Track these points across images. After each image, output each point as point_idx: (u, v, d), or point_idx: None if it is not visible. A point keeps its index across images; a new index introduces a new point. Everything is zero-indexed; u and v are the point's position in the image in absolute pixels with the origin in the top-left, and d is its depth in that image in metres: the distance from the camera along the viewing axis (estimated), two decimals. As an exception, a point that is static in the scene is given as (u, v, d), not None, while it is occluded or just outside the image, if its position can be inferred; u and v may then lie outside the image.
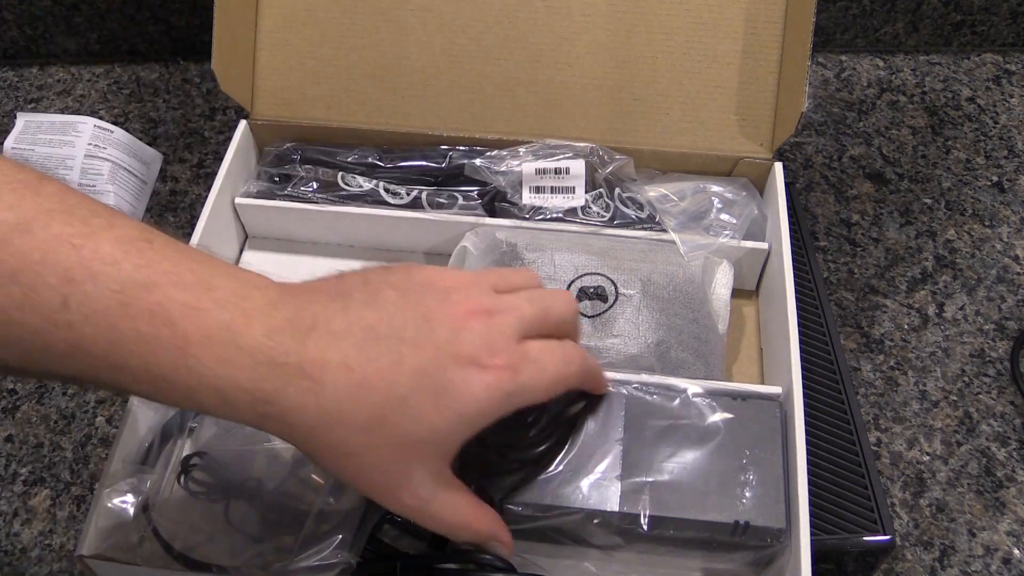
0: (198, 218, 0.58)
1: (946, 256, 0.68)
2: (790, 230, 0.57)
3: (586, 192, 0.60)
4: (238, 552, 0.45)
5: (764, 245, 0.58)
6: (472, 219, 0.60)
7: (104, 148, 0.69)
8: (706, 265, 0.57)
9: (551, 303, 0.41)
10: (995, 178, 0.73)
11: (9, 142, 0.69)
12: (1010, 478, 0.57)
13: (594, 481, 0.44)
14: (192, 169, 0.74)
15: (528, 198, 0.60)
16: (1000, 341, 0.63)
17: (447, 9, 0.61)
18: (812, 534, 0.44)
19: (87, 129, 0.69)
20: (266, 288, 0.36)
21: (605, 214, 0.60)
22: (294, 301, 0.36)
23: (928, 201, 0.71)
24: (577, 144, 0.61)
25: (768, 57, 0.60)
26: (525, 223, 0.59)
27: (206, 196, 0.59)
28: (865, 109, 0.78)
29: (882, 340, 0.63)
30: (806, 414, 0.49)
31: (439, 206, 0.61)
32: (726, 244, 0.58)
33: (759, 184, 0.62)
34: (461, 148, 0.62)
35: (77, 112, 0.78)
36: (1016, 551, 0.54)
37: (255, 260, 0.63)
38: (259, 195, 0.62)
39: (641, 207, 0.60)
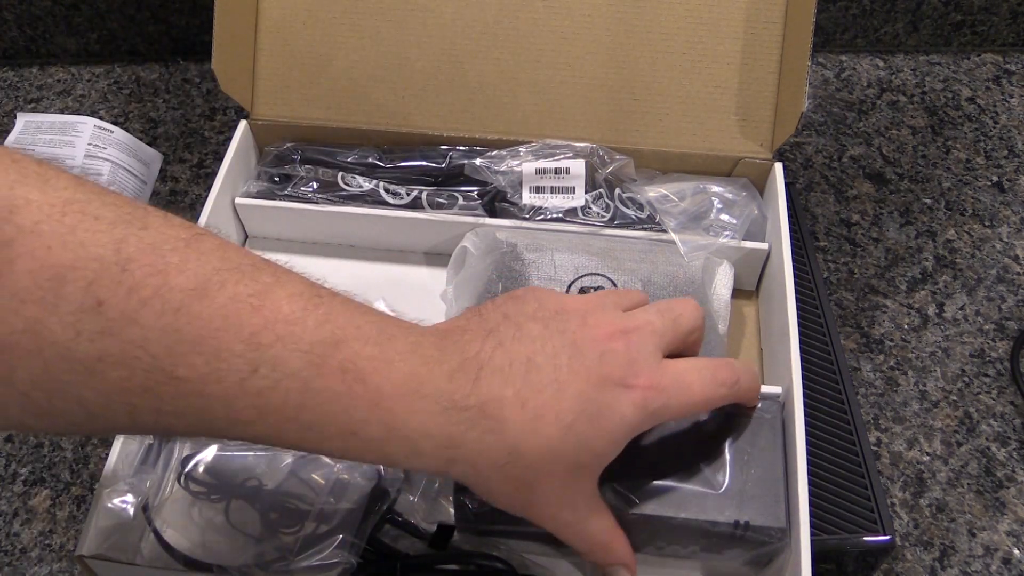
0: (198, 218, 0.58)
1: (946, 256, 0.68)
2: (790, 230, 0.57)
3: (586, 192, 0.60)
4: (238, 552, 0.45)
5: (764, 245, 0.58)
6: (472, 219, 0.60)
7: (104, 148, 0.69)
8: (706, 265, 0.57)
9: (679, 312, 0.41)
10: (995, 178, 0.73)
11: (9, 142, 0.69)
12: (1010, 478, 0.57)
13: None
14: (192, 169, 0.74)
15: (528, 198, 0.60)
16: (1000, 341, 0.63)
17: (447, 9, 0.61)
18: (812, 534, 0.44)
19: (87, 129, 0.69)
20: (429, 334, 0.36)
21: (605, 214, 0.60)
22: (454, 344, 0.36)
23: (928, 201, 0.72)
24: (577, 144, 0.61)
25: (768, 57, 0.60)
26: (525, 223, 0.59)
27: (206, 196, 0.59)
28: (865, 109, 0.78)
29: (882, 340, 0.63)
30: (806, 414, 0.49)
31: (439, 206, 0.61)
32: (726, 244, 0.58)
33: (759, 184, 0.62)
34: (461, 148, 0.62)
35: (77, 112, 0.78)
36: (1016, 551, 0.54)
37: (255, 260, 0.63)
38: (259, 195, 0.62)
39: (641, 207, 0.60)
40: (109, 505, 0.46)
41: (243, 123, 0.63)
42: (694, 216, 0.59)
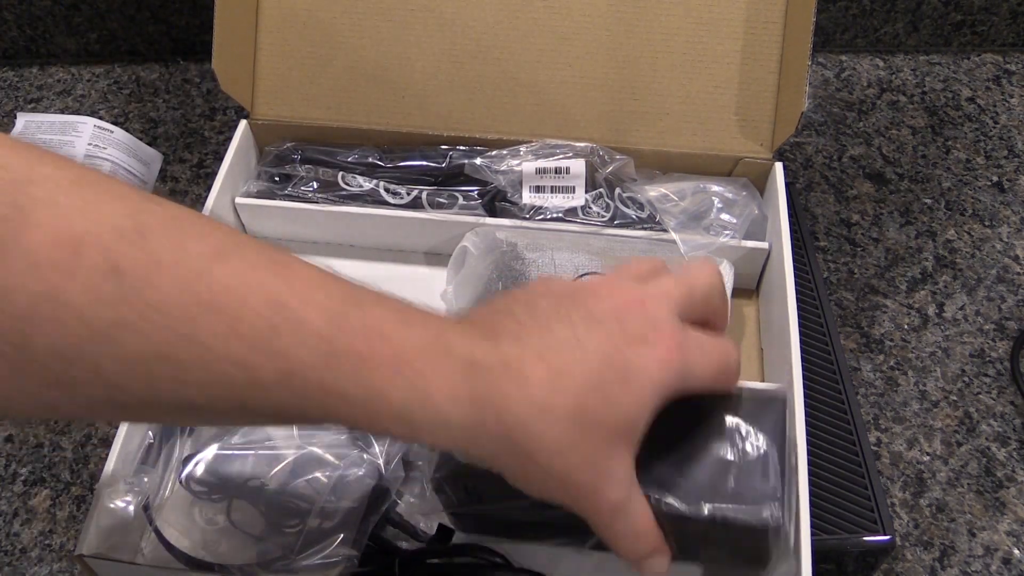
0: (198, 218, 0.58)
1: (946, 256, 0.68)
2: (790, 230, 0.57)
3: (586, 192, 0.60)
4: (240, 551, 0.45)
5: (764, 245, 0.59)
6: (472, 219, 0.60)
7: (104, 148, 0.69)
8: (706, 265, 0.57)
9: (694, 276, 0.40)
10: (995, 178, 0.73)
11: (9, 142, 0.69)
12: (1010, 478, 0.57)
13: None
14: (192, 169, 0.74)
15: (528, 198, 0.60)
16: (1000, 341, 0.63)
17: (447, 9, 0.61)
18: (812, 534, 0.44)
19: (87, 129, 0.69)
20: (443, 312, 0.36)
21: (605, 214, 0.60)
22: (469, 317, 0.36)
23: (928, 201, 0.72)
24: (577, 144, 0.61)
25: (768, 57, 0.60)
26: (525, 223, 0.59)
27: (206, 196, 0.59)
28: (865, 109, 0.78)
29: (882, 340, 0.63)
30: (806, 414, 0.49)
31: (439, 206, 0.61)
32: (726, 244, 0.58)
33: (759, 184, 0.62)
34: (461, 148, 0.62)
35: (77, 112, 0.78)
36: (1016, 551, 0.54)
37: (255, 260, 0.63)
38: (259, 195, 0.62)
39: (641, 207, 0.60)
40: (109, 505, 0.46)
41: (243, 123, 0.63)
42: (694, 216, 0.59)
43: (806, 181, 0.73)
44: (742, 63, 0.60)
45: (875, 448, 0.58)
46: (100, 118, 0.72)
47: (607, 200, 0.61)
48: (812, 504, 0.46)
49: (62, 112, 0.78)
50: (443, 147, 0.62)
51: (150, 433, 0.50)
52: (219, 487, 0.46)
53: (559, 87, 0.61)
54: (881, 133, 0.76)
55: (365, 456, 0.46)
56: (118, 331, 0.29)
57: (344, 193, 0.61)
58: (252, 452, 0.47)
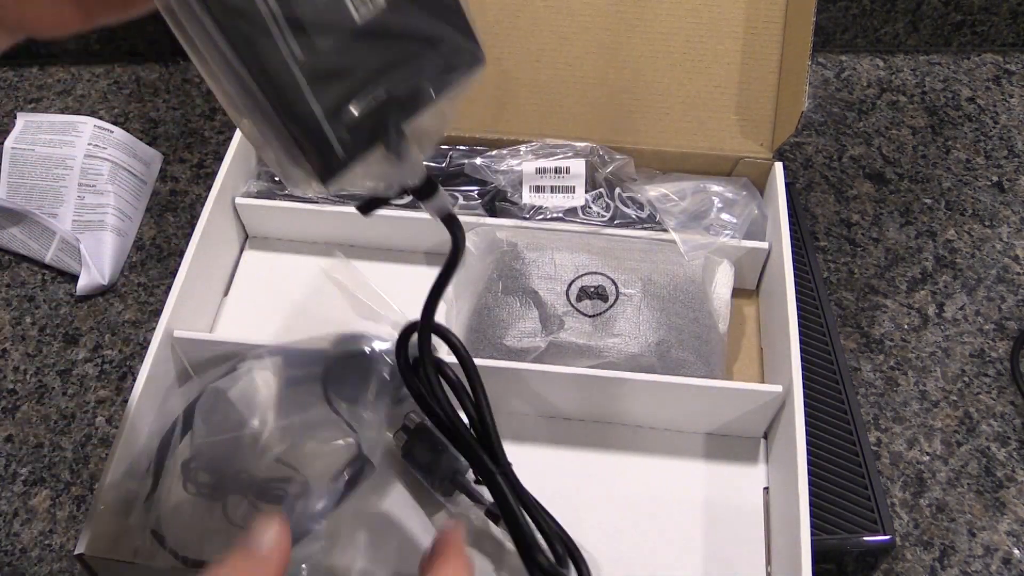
0: (198, 218, 0.58)
1: (946, 256, 0.68)
2: (790, 230, 0.57)
3: (586, 191, 0.60)
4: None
5: (764, 245, 0.59)
6: (472, 219, 0.60)
7: (104, 148, 0.69)
8: (706, 264, 0.57)
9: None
10: (995, 178, 0.73)
11: (9, 142, 0.69)
12: (1010, 478, 0.57)
13: None
14: (192, 169, 0.74)
15: (528, 197, 0.60)
16: (1000, 341, 0.63)
17: (447, 9, 0.61)
18: (812, 534, 0.44)
19: (87, 129, 0.69)
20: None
21: (605, 214, 0.60)
22: None
23: (928, 201, 0.72)
24: (577, 143, 0.61)
25: (768, 57, 0.60)
26: (525, 223, 0.59)
27: (206, 196, 0.59)
28: (865, 109, 0.78)
29: (882, 340, 0.63)
30: (806, 414, 0.49)
31: (439, 206, 0.61)
32: (726, 244, 0.58)
33: (759, 184, 0.62)
34: (461, 148, 0.62)
35: (77, 112, 0.78)
36: (1016, 551, 0.54)
37: (255, 260, 0.63)
38: (259, 195, 0.62)
39: (641, 207, 0.60)
40: (109, 505, 0.46)
41: (243, 123, 0.63)
42: (694, 215, 0.59)
43: (806, 181, 0.73)
44: (742, 63, 0.60)
45: (875, 448, 0.58)
46: (100, 118, 0.72)
47: (607, 200, 0.61)
48: (812, 504, 0.46)
49: (62, 112, 0.78)
50: (443, 147, 0.62)
51: (150, 434, 0.50)
52: (216, 485, 0.46)
53: (559, 87, 0.61)
54: (881, 133, 0.76)
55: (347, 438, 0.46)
56: None
57: (344, 193, 0.61)
58: (236, 439, 0.46)
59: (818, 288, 0.62)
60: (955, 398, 0.61)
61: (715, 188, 0.60)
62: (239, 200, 0.61)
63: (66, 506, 0.56)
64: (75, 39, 0.81)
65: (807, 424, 0.48)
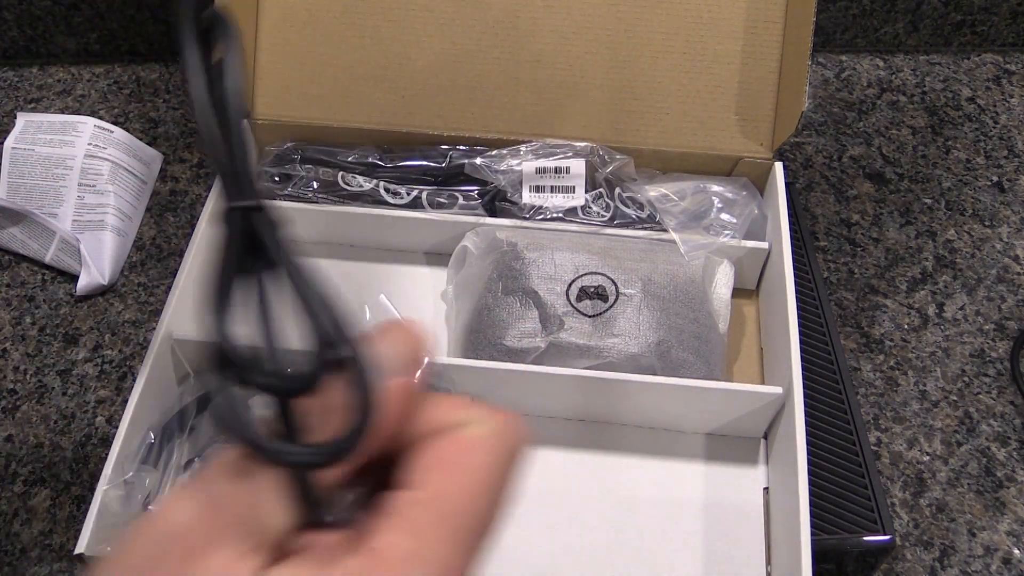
0: (198, 218, 0.58)
1: (946, 256, 0.68)
2: (790, 230, 0.57)
3: (586, 191, 0.60)
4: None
5: (764, 245, 0.59)
6: (472, 219, 0.60)
7: (104, 148, 0.69)
8: (706, 265, 0.57)
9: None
10: (995, 178, 0.73)
11: (9, 142, 0.69)
12: (1010, 478, 0.57)
13: None
14: (192, 169, 0.74)
15: (528, 197, 0.60)
16: (1000, 341, 0.63)
17: (447, 9, 0.61)
18: (812, 534, 0.44)
19: (87, 129, 0.69)
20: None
21: (605, 214, 0.60)
22: None
23: (928, 201, 0.72)
24: (577, 144, 0.61)
25: (768, 57, 0.60)
26: (525, 223, 0.59)
27: (206, 196, 0.59)
28: (865, 109, 0.78)
29: (882, 340, 0.63)
30: (806, 414, 0.49)
31: (439, 206, 0.61)
32: (726, 244, 0.58)
33: (759, 184, 0.62)
34: (461, 148, 0.62)
35: (77, 112, 0.78)
36: (1016, 551, 0.54)
37: (255, 260, 0.63)
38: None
39: (641, 207, 0.60)
40: (109, 505, 0.46)
41: (243, 123, 0.63)
42: (694, 215, 0.59)
43: (806, 181, 0.73)
44: (742, 63, 0.60)
45: (875, 448, 0.58)
46: (100, 118, 0.72)
47: (607, 200, 0.61)
48: (812, 504, 0.46)
49: (62, 112, 0.78)
50: (443, 147, 0.62)
51: (150, 433, 0.50)
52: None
53: (559, 87, 0.61)
54: (881, 133, 0.76)
55: None
56: None
57: (344, 193, 0.61)
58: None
59: (818, 288, 0.62)
60: (955, 398, 0.61)
61: (715, 188, 0.60)
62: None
63: (66, 506, 0.56)
64: (75, 39, 0.81)
65: (807, 424, 0.48)
